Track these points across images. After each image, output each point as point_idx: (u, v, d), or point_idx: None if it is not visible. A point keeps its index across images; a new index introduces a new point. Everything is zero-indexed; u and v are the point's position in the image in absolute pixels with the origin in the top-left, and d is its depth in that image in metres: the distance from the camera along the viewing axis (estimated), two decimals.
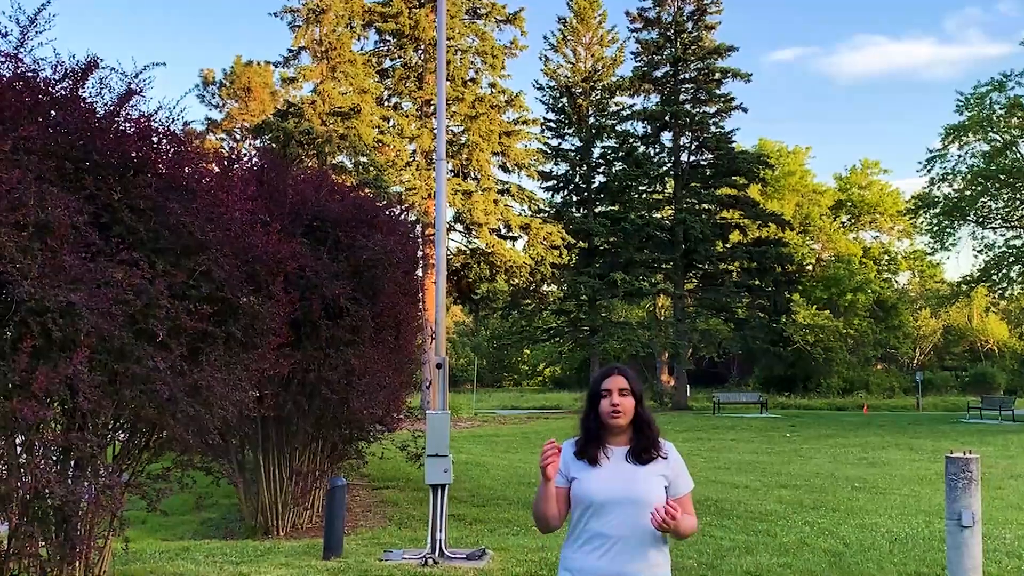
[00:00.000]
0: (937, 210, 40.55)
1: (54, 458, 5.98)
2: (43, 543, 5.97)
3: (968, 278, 40.91)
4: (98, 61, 6.35)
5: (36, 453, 5.68)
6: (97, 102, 6.45)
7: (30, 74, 6.00)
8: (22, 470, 5.60)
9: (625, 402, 3.49)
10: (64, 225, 5.31)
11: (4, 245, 4.93)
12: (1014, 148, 38.02)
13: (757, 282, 44.88)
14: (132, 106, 6.63)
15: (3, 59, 5.93)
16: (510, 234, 37.38)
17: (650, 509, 3.32)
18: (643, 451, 3.50)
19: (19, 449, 5.67)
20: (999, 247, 39.89)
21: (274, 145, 31.44)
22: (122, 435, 6.86)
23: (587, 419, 3.59)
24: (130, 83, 6.65)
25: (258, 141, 34.47)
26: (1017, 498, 13.37)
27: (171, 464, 7.18)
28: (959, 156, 39.90)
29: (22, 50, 6.05)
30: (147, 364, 5.82)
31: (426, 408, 9.06)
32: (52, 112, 6.11)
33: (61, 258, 5.30)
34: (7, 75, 5.92)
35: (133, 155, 6.37)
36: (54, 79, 6.21)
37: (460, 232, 36.50)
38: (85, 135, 6.00)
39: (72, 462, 6.10)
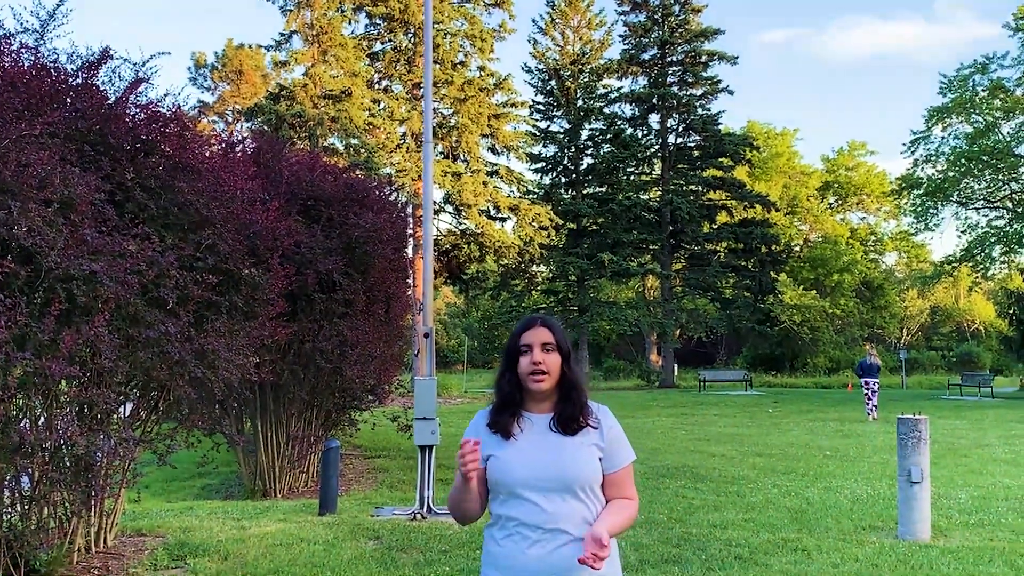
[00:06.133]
0: (921, 191, 41.14)
1: (75, 413, 6.58)
2: (64, 491, 6.58)
3: (951, 258, 41.58)
4: (110, 52, 6.91)
5: (59, 408, 6.27)
6: (109, 90, 7.03)
7: (50, 64, 6.55)
8: (45, 424, 6.19)
9: (549, 359, 2.87)
10: (85, 202, 5.88)
11: (33, 220, 5.50)
12: (996, 130, 38.54)
13: (743, 262, 45.48)
14: (141, 93, 7.21)
15: (25, 51, 6.49)
16: (499, 215, 37.95)
17: (582, 486, 2.80)
18: (570, 419, 2.87)
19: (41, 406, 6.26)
20: (981, 227, 40.55)
21: (266, 128, 31.92)
22: (134, 395, 7.48)
23: (502, 380, 2.95)
24: (138, 72, 7.23)
25: (250, 124, 34.97)
26: (979, 464, 14.00)
27: (177, 424, 7.79)
28: (942, 138, 40.50)
29: (42, 42, 6.62)
30: (159, 329, 6.40)
31: (415, 376, 9.68)
32: (68, 99, 6.67)
33: (82, 232, 5.86)
34: (28, 64, 6.49)
35: (143, 138, 6.96)
36: (70, 68, 6.77)
37: (450, 213, 37.06)
38: (101, 120, 6.57)
39: (90, 417, 6.69)
